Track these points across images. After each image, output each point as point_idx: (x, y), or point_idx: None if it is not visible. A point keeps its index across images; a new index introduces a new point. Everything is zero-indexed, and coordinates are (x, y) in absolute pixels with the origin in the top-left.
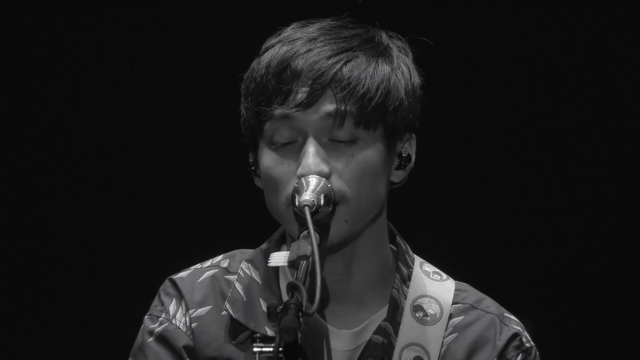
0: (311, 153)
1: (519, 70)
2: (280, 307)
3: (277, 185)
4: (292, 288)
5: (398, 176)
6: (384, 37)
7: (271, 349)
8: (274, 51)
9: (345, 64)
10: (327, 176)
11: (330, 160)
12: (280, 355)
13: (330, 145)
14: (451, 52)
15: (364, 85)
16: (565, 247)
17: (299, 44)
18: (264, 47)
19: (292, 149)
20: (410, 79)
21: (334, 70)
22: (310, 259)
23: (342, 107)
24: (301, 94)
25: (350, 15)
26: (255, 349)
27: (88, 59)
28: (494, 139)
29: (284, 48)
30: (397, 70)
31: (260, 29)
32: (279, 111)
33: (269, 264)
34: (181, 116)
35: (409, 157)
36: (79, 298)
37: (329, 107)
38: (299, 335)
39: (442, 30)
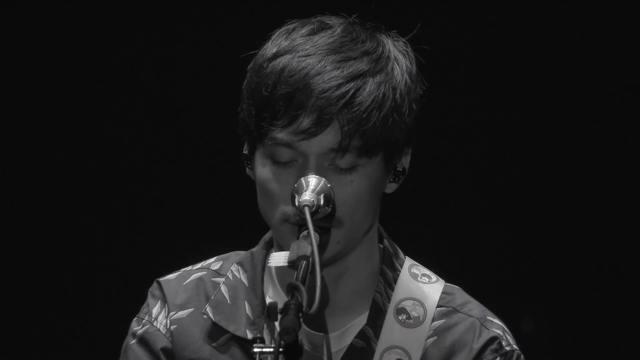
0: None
1: (519, 70)
2: (281, 307)
3: (272, 199)
4: (292, 288)
5: (391, 188)
6: (392, 48)
7: (271, 350)
8: (284, 63)
9: (354, 94)
10: None
11: (329, 184)
12: (280, 355)
13: (331, 170)
14: (451, 52)
15: (370, 119)
16: (565, 247)
17: (310, 63)
18: (273, 51)
19: (291, 167)
20: (414, 93)
21: (343, 101)
22: (310, 259)
23: (347, 142)
24: (307, 122)
25: (353, 12)
26: (255, 350)
27: (88, 59)
28: (494, 139)
29: (294, 63)
30: (403, 89)
31: (261, 29)
32: (282, 135)
33: (268, 264)
34: (181, 116)
35: (404, 170)
36: (79, 298)
37: (333, 140)
38: (299, 336)
39: (442, 30)
